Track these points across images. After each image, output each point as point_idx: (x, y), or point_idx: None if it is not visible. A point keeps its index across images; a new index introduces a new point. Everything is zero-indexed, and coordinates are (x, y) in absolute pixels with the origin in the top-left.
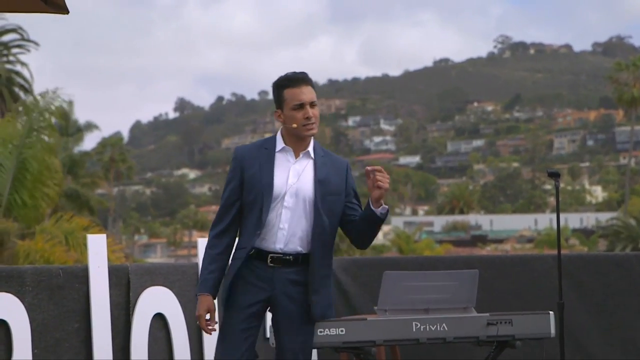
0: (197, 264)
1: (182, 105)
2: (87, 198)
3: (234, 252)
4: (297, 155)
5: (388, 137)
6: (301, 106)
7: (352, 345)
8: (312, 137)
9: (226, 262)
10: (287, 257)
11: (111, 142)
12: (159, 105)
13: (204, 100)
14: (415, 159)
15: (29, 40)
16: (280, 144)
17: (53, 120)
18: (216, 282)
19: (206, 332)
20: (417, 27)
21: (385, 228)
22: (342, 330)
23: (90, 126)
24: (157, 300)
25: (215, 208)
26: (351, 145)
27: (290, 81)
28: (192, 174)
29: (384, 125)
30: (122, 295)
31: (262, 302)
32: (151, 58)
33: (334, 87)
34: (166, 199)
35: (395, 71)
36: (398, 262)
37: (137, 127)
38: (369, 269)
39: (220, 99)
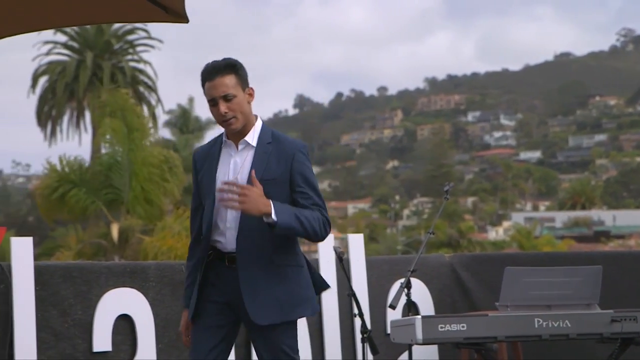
0: (317, 260)
1: (301, 101)
2: None
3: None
4: (238, 148)
5: (508, 132)
6: (214, 102)
7: (473, 341)
8: (261, 123)
9: (198, 273)
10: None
11: None
12: (278, 102)
13: (322, 96)
14: (536, 154)
15: (153, 39)
16: (225, 137)
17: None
18: (191, 295)
19: (187, 346)
20: (534, 21)
21: (505, 224)
22: (463, 326)
23: (210, 123)
24: None
25: (335, 204)
26: (471, 141)
27: (204, 74)
28: None
29: (503, 121)
30: None
31: (226, 309)
32: (269, 55)
33: (453, 83)
34: None
35: (515, 65)
36: (519, 258)
37: None
38: (489, 265)
39: (339, 95)
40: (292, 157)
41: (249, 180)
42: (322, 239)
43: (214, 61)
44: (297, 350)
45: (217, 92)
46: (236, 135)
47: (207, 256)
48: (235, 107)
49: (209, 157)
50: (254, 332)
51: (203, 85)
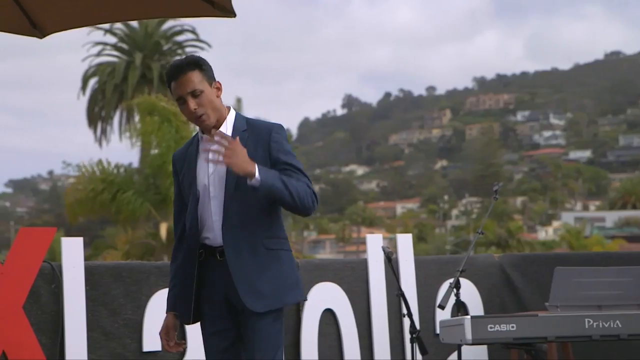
0: (365, 260)
1: (349, 101)
2: None
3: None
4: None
5: (558, 132)
6: (183, 100)
7: (523, 341)
8: (234, 113)
9: (182, 276)
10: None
11: None
12: (326, 102)
13: (370, 96)
14: (586, 154)
15: (201, 40)
16: (200, 133)
17: None
18: (176, 297)
19: (168, 351)
20: (583, 20)
21: (555, 224)
22: (512, 327)
23: None
24: (327, 296)
25: (383, 204)
26: (520, 140)
27: (169, 74)
28: (360, 170)
29: (553, 120)
30: None
31: (225, 303)
32: (318, 55)
33: (502, 82)
34: (334, 196)
35: (564, 65)
36: (568, 258)
37: (305, 124)
38: (538, 265)
39: (387, 95)
40: (269, 138)
41: (228, 172)
42: (309, 209)
43: (177, 59)
44: (280, 345)
45: (184, 89)
46: (210, 130)
47: (198, 255)
48: (205, 102)
49: (187, 157)
50: (247, 322)
51: (169, 85)
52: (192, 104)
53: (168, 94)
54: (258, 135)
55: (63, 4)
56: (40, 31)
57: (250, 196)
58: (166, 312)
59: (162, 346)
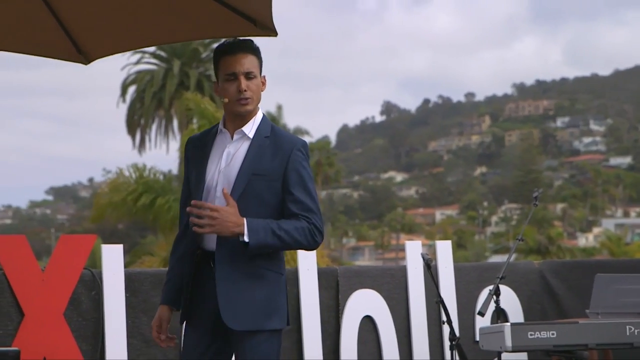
0: (405, 267)
1: (388, 108)
2: None
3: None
4: (233, 137)
5: (598, 138)
6: (234, 76)
7: (563, 348)
8: (262, 115)
9: (182, 268)
10: None
11: (318, 146)
12: (365, 108)
13: (409, 103)
14: (627, 160)
15: None
16: (220, 125)
17: None
18: (172, 290)
19: (159, 344)
20: (623, 25)
21: (595, 230)
22: (553, 334)
23: (299, 131)
24: (366, 302)
25: (422, 211)
26: (560, 147)
27: (228, 48)
28: (399, 177)
29: (593, 126)
30: (331, 297)
31: (215, 313)
32: (356, 62)
33: (542, 88)
34: (373, 202)
35: (604, 70)
36: (609, 264)
37: (344, 131)
38: (579, 272)
39: (426, 101)
40: (289, 154)
41: (239, 175)
42: (312, 248)
43: (234, 38)
44: None
45: (241, 67)
46: (235, 123)
47: (195, 254)
48: (254, 88)
49: (201, 145)
50: (234, 339)
51: (218, 60)
52: (243, 83)
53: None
54: (280, 147)
55: (109, 30)
56: (85, 57)
57: (256, 207)
58: (160, 304)
59: (153, 337)
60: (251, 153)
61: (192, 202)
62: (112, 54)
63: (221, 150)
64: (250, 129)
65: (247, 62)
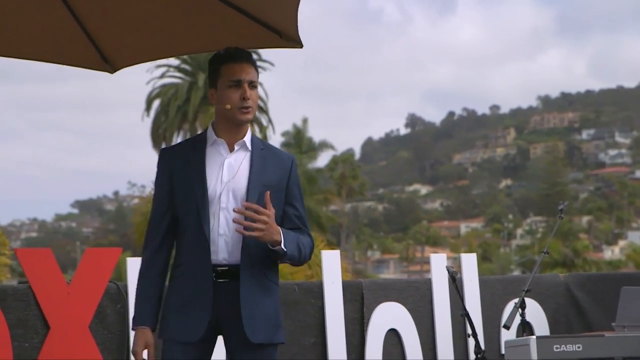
0: (430, 280)
1: (412, 121)
2: (317, 215)
3: (172, 271)
4: (231, 148)
5: (623, 150)
6: (238, 84)
7: None
8: (249, 128)
9: (163, 285)
10: (234, 269)
11: (343, 159)
12: (389, 121)
13: (434, 115)
14: None
15: (264, 60)
16: (211, 136)
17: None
18: (154, 310)
19: None
20: None
21: (621, 243)
22: (579, 347)
23: (324, 145)
24: (391, 315)
25: (447, 224)
26: (585, 159)
27: (231, 56)
28: (424, 190)
29: (619, 138)
30: (356, 310)
31: (209, 328)
32: (381, 75)
33: (567, 100)
34: (398, 215)
35: (630, 82)
36: (635, 277)
37: (368, 144)
38: (605, 285)
39: (451, 114)
40: (290, 167)
41: (250, 187)
42: (304, 263)
43: (235, 47)
44: None
45: (246, 75)
46: (231, 133)
47: (214, 269)
48: (255, 98)
49: (189, 156)
50: (240, 352)
51: (220, 66)
52: (248, 91)
53: None
54: (278, 158)
55: (135, 39)
56: (111, 66)
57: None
58: (138, 326)
59: None
60: (256, 164)
61: (245, 204)
62: (137, 63)
63: (219, 161)
64: (249, 140)
65: (252, 72)
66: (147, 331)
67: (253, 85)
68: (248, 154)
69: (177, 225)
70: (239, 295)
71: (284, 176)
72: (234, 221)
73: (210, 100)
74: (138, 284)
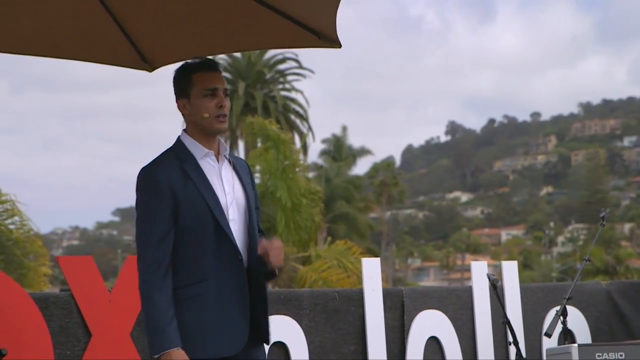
0: (470, 288)
1: (453, 128)
2: (356, 222)
3: (187, 290)
4: (218, 159)
5: None
6: (214, 92)
7: None
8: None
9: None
10: (256, 274)
11: (383, 166)
12: (430, 129)
13: (474, 123)
14: None
15: (304, 68)
16: (199, 150)
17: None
18: (178, 332)
19: None
20: None
21: None
22: (621, 355)
23: (363, 152)
24: (432, 323)
25: (488, 231)
26: (627, 166)
27: (204, 65)
28: (464, 197)
29: None
30: (396, 318)
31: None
32: (421, 83)
33: (608, 107)
34: (438, 223)
35: None
36: None
37: (408, 151)
38: None
39: (491, 121)
40: (250, 172)
41: (248, 200)
42: None
43: (206, 57)
44: None
45: (220, 83)
46: (208, 143)
47: (245, 276)
48: (227, 107)
49: (186, 171)
50: (254, 352)
51: (192, 74)
52: (223, 99)
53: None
54: (243, 165)
55: (172, 38)
56: (150, 64)
57: (254, 225)
58: (172, 348)
59: None
60: (242, 177)
61: (275, 243)
62: (175, 62)
63: (214, 172)
64: (224, 148)
65: (223, 81)
66: (182, 352)
67: (227, 92)
68: (230, 166)
69: (179, 244)
70: (264, 297)
71: (252, 181)
72: (260, 254)
73: (180, 110)
74: (153, 307)
